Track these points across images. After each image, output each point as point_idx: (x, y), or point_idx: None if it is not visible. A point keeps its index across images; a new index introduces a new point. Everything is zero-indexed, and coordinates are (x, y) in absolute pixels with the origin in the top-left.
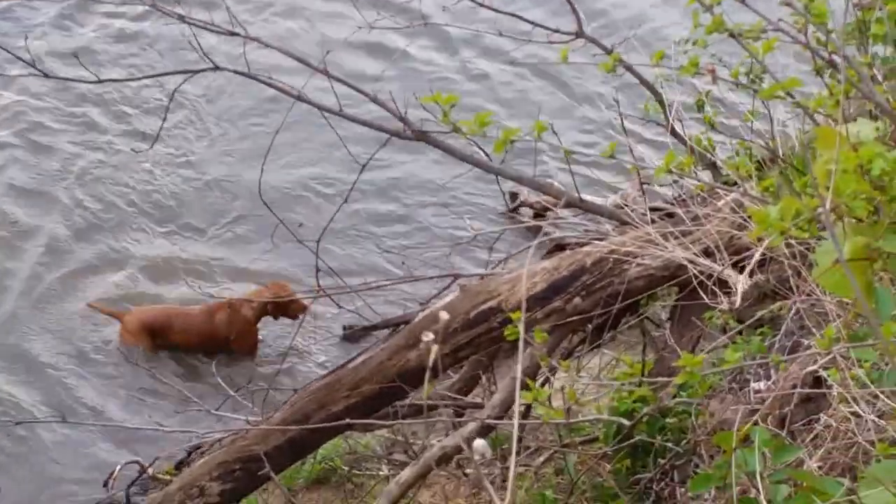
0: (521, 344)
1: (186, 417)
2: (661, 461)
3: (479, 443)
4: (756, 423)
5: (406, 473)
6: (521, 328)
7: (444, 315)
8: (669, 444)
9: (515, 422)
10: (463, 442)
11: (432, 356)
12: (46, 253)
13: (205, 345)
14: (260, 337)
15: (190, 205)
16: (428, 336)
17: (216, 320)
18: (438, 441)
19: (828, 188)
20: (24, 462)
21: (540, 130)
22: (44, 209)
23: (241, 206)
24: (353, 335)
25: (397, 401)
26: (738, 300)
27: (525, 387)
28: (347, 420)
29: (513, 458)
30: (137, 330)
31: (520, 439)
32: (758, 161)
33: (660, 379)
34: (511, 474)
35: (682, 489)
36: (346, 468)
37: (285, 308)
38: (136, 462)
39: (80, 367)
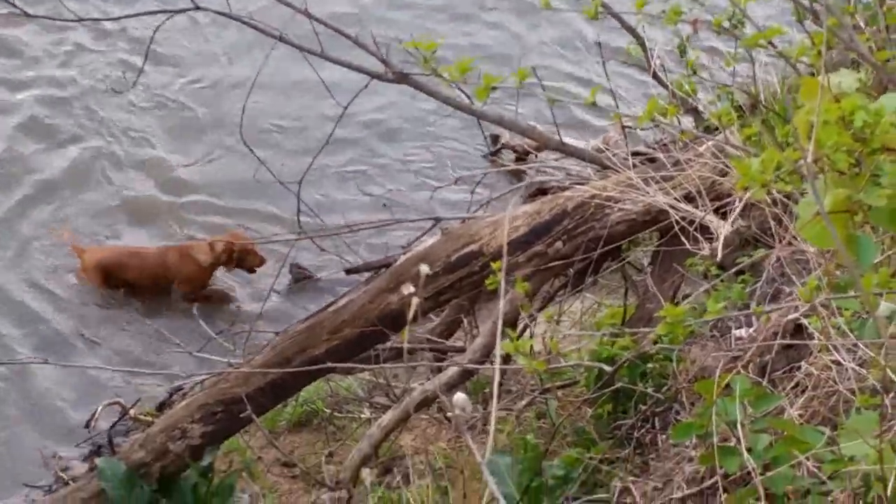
0: (501, 290)
1: (167, 359)
2: (643, 407)
3: (459, 396)
4: (737, 371)
5: (387, 417)
6: (501, 275)
7: (425, 268)
8: (650, 391)
9: (496, 369)
10: (442, 394)
11: (413, 308)
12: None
13: (156, 285)
14: (212, 284)
15: (170, 139)
16: (408, 288)
17: (168, 262)
18: (420, 385)
19: (809, 140)
20: (2, 402)
21: (522, 77)
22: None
23: (222, 143)
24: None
25: (378, 344)
26: (719, 247)
27: (505, 334)
28: (329, 363)
29: (494, 406)
30: (93, 267)
31: (501, 384)
32: (739, 107)
33: (641, 330)
34: (492, 421)
35: (663, 436)
36: (328, 411)
37: (241, 259)
38: (118, 403)
39: (53, 303)
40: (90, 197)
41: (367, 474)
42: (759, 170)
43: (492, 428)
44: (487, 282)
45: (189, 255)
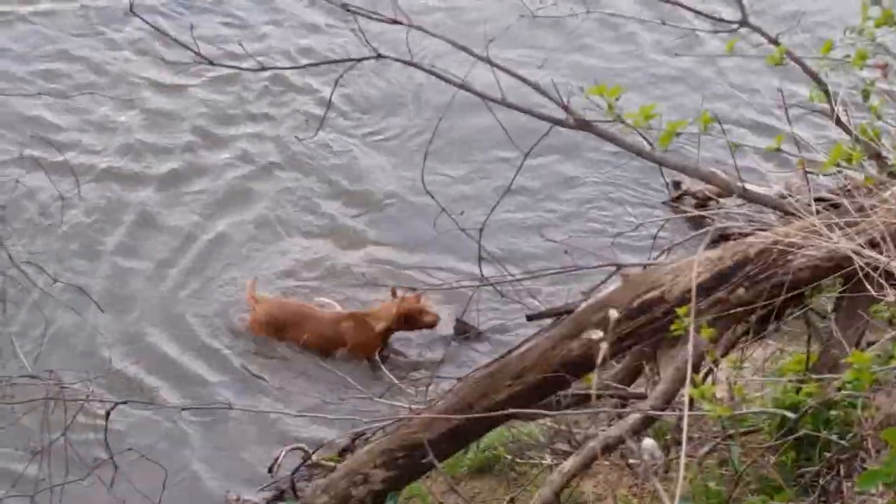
0: (690, 334)
1: (349, 405)
2: (827, 455)
3: (648, 442)
4: None
5: (569, 463)
6: (691, 318)
7: (614, 313)
8: (835, 438)
9: (685, 414)
10: (629, 438)
11: (601, 354)
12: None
13: (325, 349)
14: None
15: (349, 197)
16: (596, 334)
17: (342, 329)
18: (602, 431)
19: None
20: (187, 448)
21: (706, 122)
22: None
23: (401, 194)
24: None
25: (560, 390)
26: None
27: (691, 381)
28: (510, 409)
29: (683, 452)
30: (265, 321)
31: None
32: None
33: (826, 377)
34: (681, 467)
35: (849, 484)
36: (509, 457)
37: (416, 321)
38: (301, 448)
39: (232, 351)
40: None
41: None
42: None
43: (680, 473)
44: (673, 327)
45: (365, 322)
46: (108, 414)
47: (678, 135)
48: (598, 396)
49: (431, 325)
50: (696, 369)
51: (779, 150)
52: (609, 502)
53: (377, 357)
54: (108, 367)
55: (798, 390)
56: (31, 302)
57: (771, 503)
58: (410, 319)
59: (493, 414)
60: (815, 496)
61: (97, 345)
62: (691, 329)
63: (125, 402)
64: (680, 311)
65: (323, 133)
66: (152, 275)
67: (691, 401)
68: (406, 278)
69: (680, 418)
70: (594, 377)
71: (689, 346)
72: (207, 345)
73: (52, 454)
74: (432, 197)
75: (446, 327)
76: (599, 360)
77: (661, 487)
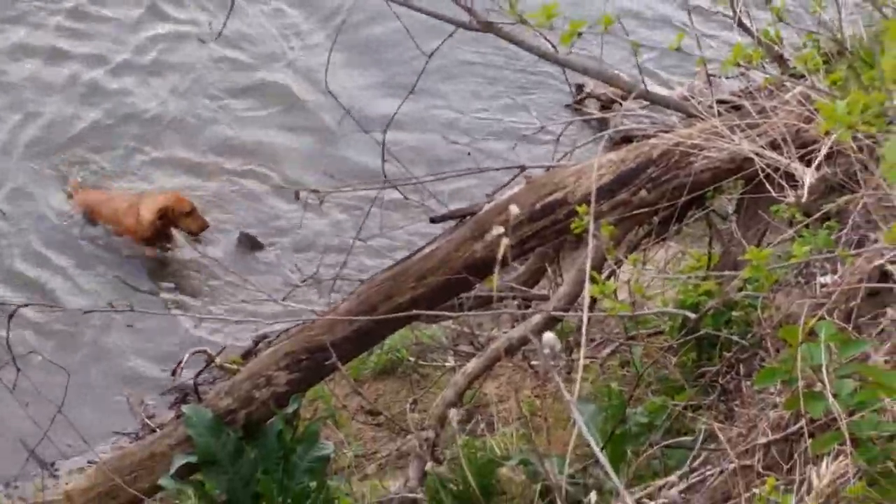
0: (590, 235)
1: (252, 307)
2: (727, 354)
3: (548, 336)
4: (822, 317)
5: (472, 364)
6: (590, 219)
7: (515, 209)
8: (735, 338)
9: (585, 314)
10: (531, 335)
11: (502, 249)
12: None
13: (115, 232)
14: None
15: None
16: (497, 230)
17: (119, 210)
18: (505, 332)
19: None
20: (90, 350)
21: (607, 23)
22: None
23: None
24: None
25: (463, 292)
26: (804, 193)
27: (592, 279)
28: (414, 311)
29: (582, 350)
30: (79, 205)
31: (585, 332)
32: (825, 53)
33: (726, 273)
34: (580, 366)
35: (748, 382)
36: (413, 359)
37: (181, 220)
38: (203, 351)
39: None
40: None
41: (453, 414)
42: (845, 111)
43: (579, 373)
44: (573, 225)
45: (136, 207)
46: (10, 317)
47: (580, 35)
48: (501, 298)
49: (196, 231)
50: (597, 271)
51: (679, 49)
52: (512, 403)
53: (156, 250)
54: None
55: (699, 291)
56: None
57: (672, 402)
58: (173, 218)
59: (396, 315)
60: (716, 395)
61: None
62: (590, 228)
63: (26, 305)
64: (580, 209)
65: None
66: None
67: (593, 301)
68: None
69: (581, 318)
70: (496, 278)
71: (590, 246)
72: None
73: None
74: (335, 99)
75: (349, 233)
76: (500, 258)
77: (562, 382)
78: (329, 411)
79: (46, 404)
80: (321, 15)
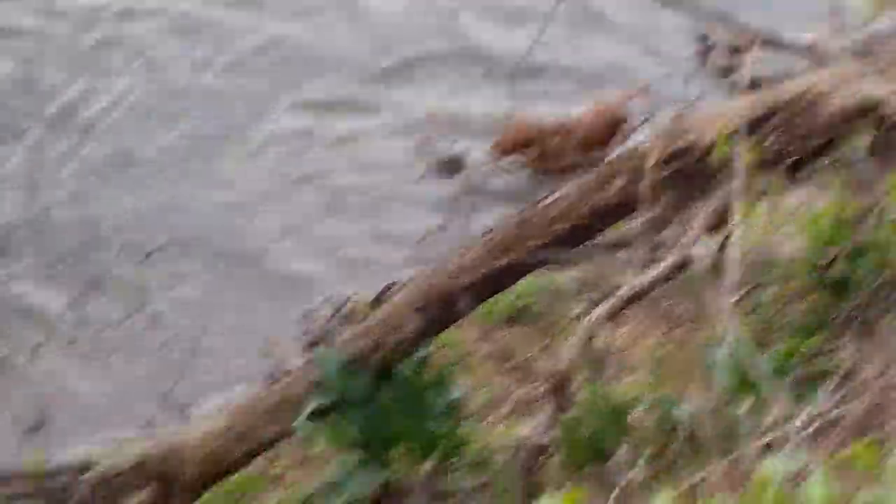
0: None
1: (381, 254)
2: (860, 296)
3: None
4: None
5: (600, 310)
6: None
7: (644, 148)
8: (869, 280)
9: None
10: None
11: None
12: None
13: None
14: None
15: None
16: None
17: None
18: (633, 278)
19: None
20: (219, 297)
21: None
22: None
23: None
24: None
25: (590, 239)
26: None
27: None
28: (540, 258)
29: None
30: None
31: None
32: None
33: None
34: (726, 306)
35: (883, 322)
36: (541, 306)
37: None
38: (334, 298)
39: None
40: None
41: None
42: None
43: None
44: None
45: None
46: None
47: None
48: (630, 244)
49: None
50: (725, 219)
51: None
52: (640, 350)
53: None
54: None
55: (831, 235)
56: None
57: (806, 342)
58: None
59: (522, 262)
60: (849, 335)
61: None
62: (737, 164)
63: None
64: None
65: None
66: None
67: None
68: None
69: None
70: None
71: (735, 181)
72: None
73: None
74: None
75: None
76: (626, 204)
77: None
78: (458, 357)
79: (179, 348)
80: None
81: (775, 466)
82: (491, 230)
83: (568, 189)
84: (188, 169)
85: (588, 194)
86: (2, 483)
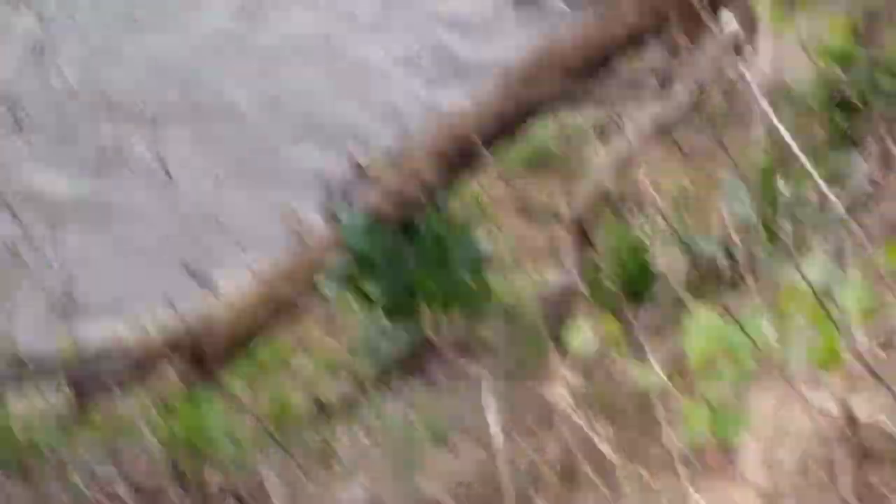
0: None
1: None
2: (875, 116)
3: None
4: None
5: (619, 147)
6: None
7: None
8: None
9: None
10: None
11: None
12: None
13: None
14: None
15: None
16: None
17: None
18: (648, 110)
19: None
20: (234, 167)
21: None
22: None
23: None
24: None
25: (604, 72)
26: None
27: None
28: (555, 97)
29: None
30: None
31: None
32: None
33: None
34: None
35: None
36: (558, 150)
37: None
38: (350, 154)
39: None
40: None
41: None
42: None
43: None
44: None
45: None
46: None
47: None
48: (642, 78)
49: None
50: (736, 50)
51: None
52: (662, 187)
53: None
54: None
55: (844, 58)
56: None
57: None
58: None
59: (538, 101)
60: (863, 155)
61: None
62: None
63: None
64: None
65: None
66: None
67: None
68: None
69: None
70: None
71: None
72: None
73: None
74: None
75: None
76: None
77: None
78: (480, 207)
79: (201, 218)
80: None
81: (808, 277)
82: (501, 71)
83: (577, 26)
84: None
85: (599, 28)
86: (37, 365)
